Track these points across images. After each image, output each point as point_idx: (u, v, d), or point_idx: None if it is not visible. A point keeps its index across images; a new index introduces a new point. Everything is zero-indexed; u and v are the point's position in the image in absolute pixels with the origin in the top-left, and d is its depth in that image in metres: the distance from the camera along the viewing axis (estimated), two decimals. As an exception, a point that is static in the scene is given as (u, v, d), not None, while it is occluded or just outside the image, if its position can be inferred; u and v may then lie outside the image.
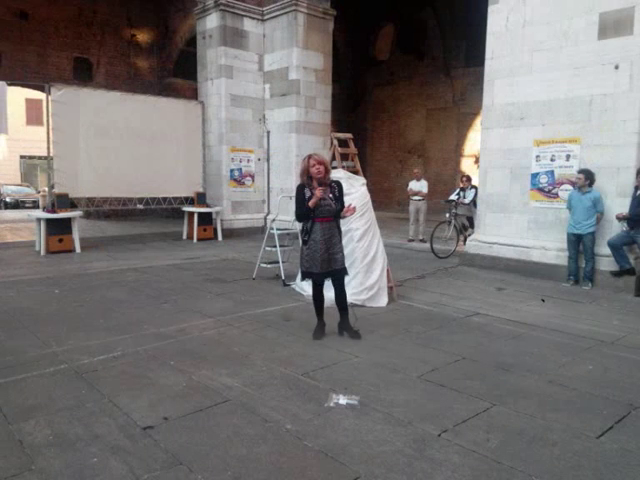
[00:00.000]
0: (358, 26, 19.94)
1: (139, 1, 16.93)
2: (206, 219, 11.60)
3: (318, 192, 4.30)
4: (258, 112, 12.90)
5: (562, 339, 4.72)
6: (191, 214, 11.52)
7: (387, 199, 20.19)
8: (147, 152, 10.97)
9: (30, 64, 15.13)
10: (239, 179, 12.75)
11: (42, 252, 9.26)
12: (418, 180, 11.32)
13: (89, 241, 10.83)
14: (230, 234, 12.15)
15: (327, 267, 4.48)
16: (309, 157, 4.46)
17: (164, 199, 11.59)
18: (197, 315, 5.37)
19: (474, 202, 9.41)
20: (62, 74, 15.50)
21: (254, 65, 12.73)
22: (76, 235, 9.69)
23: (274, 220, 7.30)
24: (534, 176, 7.67)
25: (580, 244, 6.95)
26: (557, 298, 6.37)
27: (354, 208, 4.62)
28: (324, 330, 4.69)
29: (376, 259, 5.87)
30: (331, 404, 3.26)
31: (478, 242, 8.42)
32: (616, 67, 6.73)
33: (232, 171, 12.59)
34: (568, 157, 7.29)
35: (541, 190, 7.62)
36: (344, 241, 5.03)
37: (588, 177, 6.81)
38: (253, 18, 12.58)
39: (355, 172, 6.30)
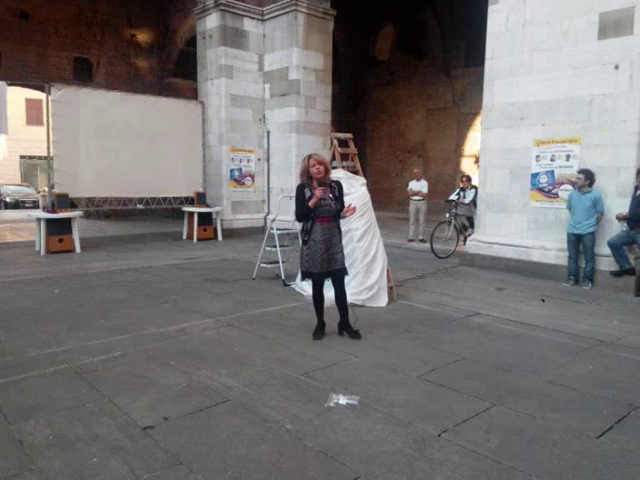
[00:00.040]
0: (358, 26, 19.95)
1: (139, 1, 16.93)
2: (206, 219, 11.60)
3: (318, 192, 4.30)
4: (258, 112, 12.90)
5: (562, 339, 4.72)
6: (191, 214, 11.52)
7: (387, 199, 20.19)
8: (147, 152, 10.97)
9: (30, 64, 15.13)
10: (239, 179, 12.75)
11: (42, 252, 9.26)
12: (418, 180, 11.32)
13: (89, 241, 10.83)
14: (230, 234, 12.15)
15: (327, 267, 4.48)
16: (309, 157, 4.46)
17: (164, 199, 11.60)
18: (197, 315, 5.37)
19: (474, 202, 9.41)
20: (62, 74, 15.51)
21: (254, 65, 12.73)
22: (76, 235, 9.69)
23: (274, 220, 7.30)
24: (534, 176, 7.67)
25: (580, 244, 6.95)
26: (557, 298, 6.37)
27: (354, 208, 4.62)
28: (324, 330, 4.69)
29: (376, 259, 5.87)
30: (331, 404, 3.26)
31: (478, 242, 8.42)
32: (616, 67, 6.73)
33: (232, 171, 12.59)
34: (568, 157, 7.29)
35: (541, 190, 7.62)
36: (344, 241, 5.03)
37: (588, 177, 6.82)
38: (253, 18, 12.58)
39: (355, 172, 6.30)
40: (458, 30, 17.70)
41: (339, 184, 4.61)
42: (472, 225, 9.68)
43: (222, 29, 12.13)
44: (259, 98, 12.88)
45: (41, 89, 12.66)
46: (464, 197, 9.91)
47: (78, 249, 9.63)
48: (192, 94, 14.61)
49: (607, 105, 6.86)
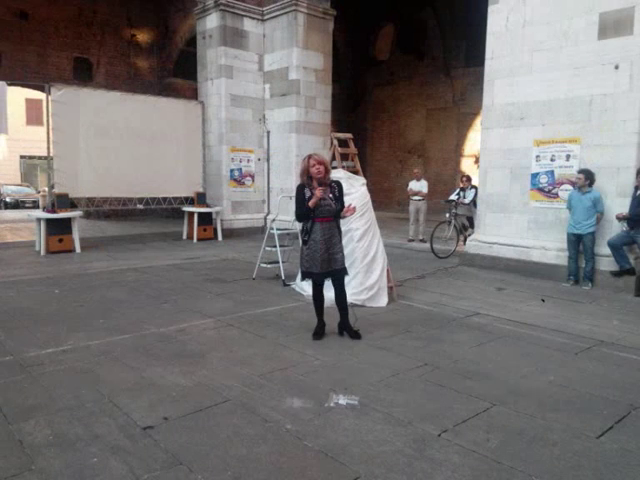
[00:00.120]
0: (358, 26, 19.94)
1: (139, 1, 16.93)
2: (206, 219, 11.60)
3: (318, 192, 4.30)
4: (258, 112, 12.90)
5: (562, 339, 4.72)
6: (191, 214, 11.52)
7: (387, 199, 20.19)
8: (147, 152, 10.97)
9: (30, 64, 15.12)
10: (239, 179, 12.75)
11: (42, 252, 9.26)
12: (418, 180, 11.32)
13: (89, 241, 10.83)
14: (230, 234, 12.15)
15: (327, 267, 4.48)
16: (309, 157, 4.46)
17: (164, 199, 11.60)
18: (197, 315, 5.37)
19: (474, 202, 9.41)
20: (62, 74, 15.50)
21: (254, 65, 12.73)
22: (76, 235, 9.69)
23: (274, 220, 7.30)
24: (534, 176, 7.67)
25: (580, 244, 6.95)
26: (557, 298, 6.37)
27: (354, 208, 4.62)
28: (324, 330, 4.69)
29: (376, 259, 5.87)
30: (331, 404, 3.26)
31: (478, 242, 8.42)
32: (616, 67, 6.73)
33: (232, 171, 12.59)
34: (568, 157, 7.29)
35: (541, 190, 7.62)
36: (344, 241, 5.03)
37: (588, 177, 6.82)
38: (253, 18, 12.58)
39: (355, 172, 6.30)
40: (458, 30, 17.70)
41: (339, 184, 4.61)
42: (472, 225, 9.68)
43: (222, 29, 12.13)
44: (259, 98, 12.88)
45: (41, 89, 12.66)
46: (464, 197, 9.91)
47: (78, 249, 9.64)
48: (192, 94, 14.61)
49: (607, 105, 6.86)
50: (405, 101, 20.26)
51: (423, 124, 19.83)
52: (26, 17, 15.01)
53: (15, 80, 15.25)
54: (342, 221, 4.74)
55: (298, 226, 4.88)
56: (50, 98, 9.73)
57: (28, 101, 28.10)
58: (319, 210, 4.40)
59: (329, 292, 4.73)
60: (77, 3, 15.83)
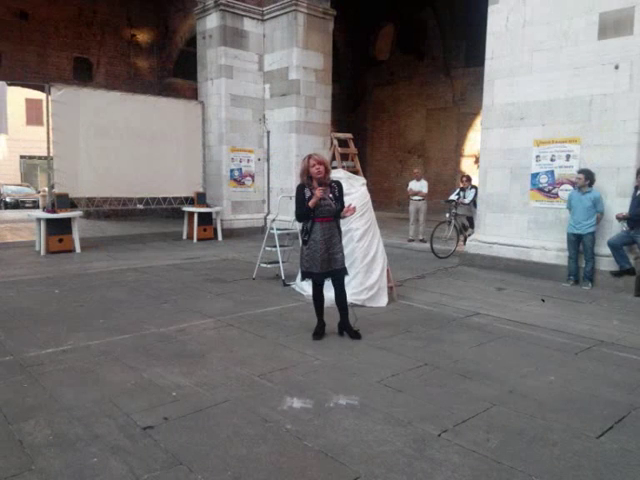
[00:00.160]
0: (358, 26, 19.94)
1: (139, 1, 16.93)
2: (206, 219, 11.60)
3: (318, 192, 4.30)
4: (258, 112, 12.90)
5: (562, 339, 4.72)
6: (191, 214, 11.52)
7: (387, 199, 20.19)
8: (147, 152, 10.97)
9: (30, 64, 15.13)
10: (239, 179, 12.75)
11: (42, 252, 9.26)
12: (418, 180, 11.32)
13: (89, 241, 10.83)
14: (230, 234, 12.15)
15: (327, 267, 4.48)
16: (309, 157, 4.46)
17: (164, 199, 11.59)
18: (197, 315, 5.37)
19: (474, 202, 9.41)
20: (62, 74, 15.50)
21: (254, 65, 12.73)
22: (76, 235, 9.69)
23: (274, 220, 7.30)
24: (534, 176, 7.67)
25: (580, 244, 6.95)
26: (557, 298, 6.37)
27: (354, 208, 4.63)
28: (324, 330, 4.69)
29: (376, 259, 5.87)
30: (331, 404, 3.26)
31: (478, 242, 8.42)
32: (616, 67, 6.73)
33: (232, 171, 12.59)
34: (568, 157, 7.29)
35: (541, 190, 7.62)
36: (344, 241, 5.03)
37: (588, 177, 6.82)
38: (253, 18, 12.58)
39: (355, 172, 6.30)
40: (458, 30, 17.70)
41: (339, 184, 4.61)
42: (472, 225, 9.68)
43: (222, 29, 12.13)
44: (259, 98, 12.88)
45: (41, 89, 12.66)
46: (464, 197, 9.91)
47: (78, 249, 9.63)
48: (192, 94, 14.61)
49: (607, 105, 6.86)
50: (405, 101, 20.26)
51: (423, 124, 19.83)
52: (26, 17, 15.01)
53: (15, 80, 15.25)
54: (342, 221, 4.74)
55: (298, 226, 4.88)
56: (50, 98, 9.73)
57: (28, 101, 28.11)
58: (319, 210, 4.40)
59: (329, 292, 4.73)
60: (77, 3, 15.83)
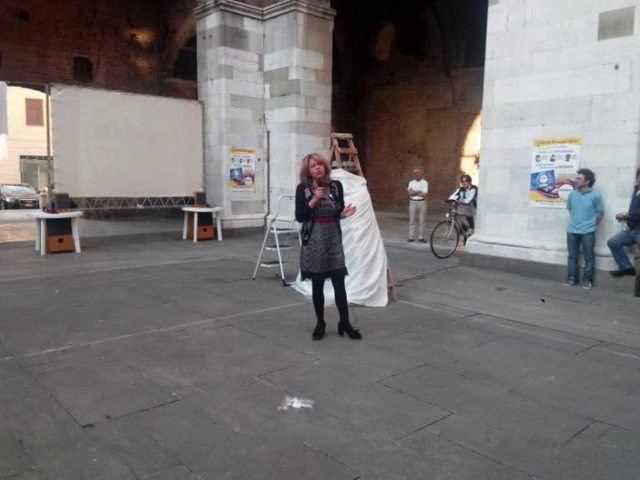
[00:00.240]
0: (358, 26, 19.94)
1: (139, 1, 16.93)
2: (206, 219, 11.60)
3: (318, 192, 4.30)
4: (258, 112, 12.90)
5: (562, 339, 4.72)
6: (191, 214, 11.52)
7: (387, 199, 20.19)
8: (147, 152, 10.97)
9: (30, 64, 15.12)
10: (239, 179, 12.75)
11: (42, 252, 9.26)
12: (418, 180, 11.32)
13: (89, 241, 10.83)
14: (230, 234, 12.15)
15: (327, 267, 4.48)
16: (309, 157, 4.46)
17: (164, 199, 11.59)
18: (197, 315, 5.37)
19: (474, 202, 9.41)
20: (62, 74, 15.50)
21: (254, 65, 12.73)
22: (76, 235, 9.69)
23: (274, 220, 7.30)
24: (534, 176, 7.67)
25: (580, 244, 6.95)
26: (557, 298, 6.37)
27: (354, 208, 4.63)
28: (324, 330, 4.69)
29: (376, 259, 5.87)
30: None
31: (478, 242, 8.42)
32: (616, 67, 6.73)
33: (232, 171, 12.59)
34: (568, 157, 7.29)
35: (541, 190, 7.62)
36: (344, 241, 5.03)
37: (588, 177, 6.82)
38: (253, 18, 12.58)
39: (355, 172, 6.30)
40: (458, 30, 17.70)
41: (339, 184, 4.61)
42: (472, 225, 9.68)
43: (222, 29, 12.13)
44: (259, 98, 12.88)
45: (41, 89, 12.66)
46: (464, 197, 9.91)
47: (78, 249, 9.63)
48: (192, 94, 14.61)
49: (607, 105, 6.86)
50: (405, 101, 20.26)
51: (423, 124, 19.83)
52: (26, 17, 15.01)
53: (15, 80, 15.25)
54: (342, 221, 4.74)
55: (298, 226, 4.88)
56: (50, 98, 9.73)
57: (28, 101, 28.10)
58: (319, 210, 4.40)
59: (329, 292, 4.73)
60: (77, 3, 15.83)
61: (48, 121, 9.73)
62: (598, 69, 6.89)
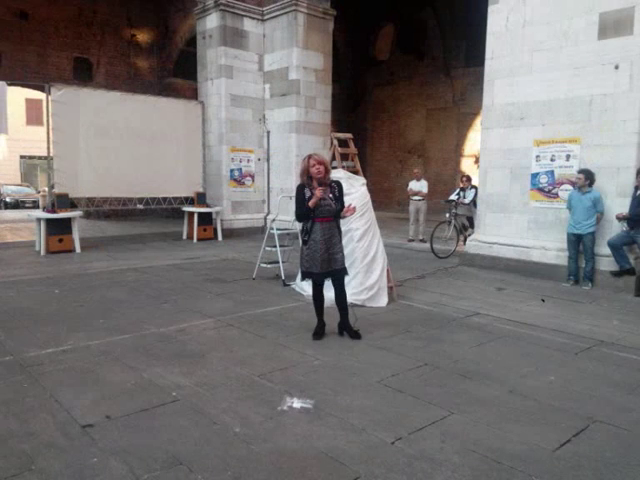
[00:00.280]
0: (358, 26, 19.94)
1: (139, 1, 16.93)
2: (206, 219, 11.60)
3: (318, 192, 4.30)
4: (258, 112, 12.90)
5: (562, 339, 4.72)
6: (191, 214, 11.52)
7: (387, 199, 20.19)
8: (147, 152, 10.97)
9: (30, 64, 15.12)
10: (239, 179, 12.75)
11: (42, 252, 9.26)
12: (418, 180, 11.32)
13: (89, 241, 10.83)
14: (230, 234, 12.15)
15: (327, 267, 4.48)
16: (309, 157, 4.46)
17: (164, 199, 11.59)
18: (197, 315, 5.37)
19: (474, 202, 9.41)
20: (62, 74, 15.50)
21: (254, 65, 12.73)
22: (76, 235, 9.69)
23: (274, 220, 7.30)
24: (534, 176, 7.67)
25: (580, 244, 6.95)
26: (557, 298, 6.37)
27: (354, 208, 4.63)
28: (324, 330, 4.69)
29: (376, 259, 5.87)
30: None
31: (478, 242, 8.42)
32: (616, 67, 6.73)
33: (232, 171, 12.59)
34: (568, 157, 7.29)
35: (541, 190, 7.62)
36: (344, 241, 5.03)
37: (588, 177, 6.82)
38: (253, 18, 12.58)
39: (355, 172, 6.30)
40: (458, 30, 17.70)
41: (339, 184, 4.61)
42: (472, 225, 9.68)
43: (222, 29, 12.13)
44: (259, 98, 12.88)
45: (41, 89, 12.65)
46: (464, 197, 9.91)
47: (78, 249, 9.63)
48: (192, 94, 14.61)
49: (607, 105, 6.86)
50: (405, 101, 20.25)
51: (423, 124, 19.83)
52: (26, 17, 15.01)
53: (15, 80, 15.25)
54: (342, 221, 4.74)
55: (298, 226, 4.88)
56: (50, 98, 9.73)
57: (28, 101, 28.10)
58: (319, 210, 4.40)
59: (329, 292, 4.73)
60: (77, 3, 15.83)
61: (48, 121, 9.73)
62: (598, 69, 6.89)
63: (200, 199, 11.74)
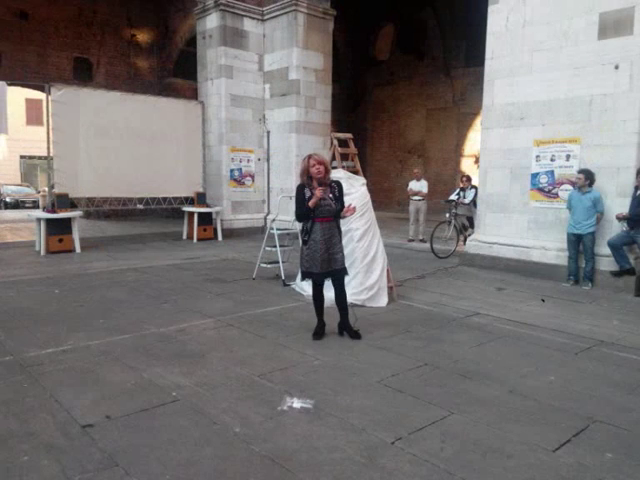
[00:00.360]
0: (358, 26, 19.94)
1: (139, 1, 16.93)
2: (206, 219, 11.60)
3: (318, 192, 4.30)
4: (258, 112, 12.90)
5: (562, 339, 4.72)
6: (191, 214, 11.52)
7: (387, 199, 20.19)
8: (147, 152, 10.97)
9: (30, 64, 15.12)
10: (239, 179, 12.75)
11: (42, 252, 9.26)
12: (418, 180, 11.32)
13: (89, 241, 10.83)
14: (230, 234, 12.15)
15: (327, 267, 4.48)
16: (309, 157, 4.46)
17: (164, 199, 11.59)
18: (197, 315, 5.37)
19: (474, 202, 9.41)
20: (62, 74, 15.50)
21: (254, 65, 12.73)
22: (76, 235, 9.69)
23: (274, 220, 7.30)
24: (534, 176, 7.67)
25: (580, 244, 6.95)
26: (557, 298, 6.37)
27: (354, 208, 4.62)
28: (324, 330, 4.69)
29: (376, 259, 5.87)
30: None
31: (478, 242, 8.42)
32: (616, 67, 6.73)
33: (232, 171, 12.59)
34: (568, 157, 7.29)
35: (541, 190, 7.62)
36: (344, 241, 5.03)
37: (588, 177, 6.82)
38: (253, 18, 12.58)
39: (355, 172, 6.30)
40: (458, 30, 17.70)
41: (339, 184, 4.61)
42: (472, 225, 9.68)
43: (222, 29, 12.13)
44: (259, 98, 12.88)
45: (41, 89, 12.65)
46: (464, 197, 9.91)
47: (78, 249, 9.63)
48: (192, 94, 14.61)
49: (607, 105, 6.86)
50: (405, 101, 20.26)
51: (423, 124, 19.83)
52: (26, 17, 15.01)
53: (15, 80, 15.25)
54: (342, 221, 4.74)
55: (298, 226, 4.88)
56: (50, 98, 9.72)
57: (28, 101, 28.10)
58: (319, 210, 4.40)
59: (329, 292, 4.73)
60: (77, 3, 15.83)
61: (48, 121, 9.73)
62: (598, 69, 6.89)
63: (200, 199, 11.74)
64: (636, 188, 6.62)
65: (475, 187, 9.40)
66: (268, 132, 12.94)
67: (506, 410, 3.24)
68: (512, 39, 7.75)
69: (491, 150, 8.19)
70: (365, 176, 6.51)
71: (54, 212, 9.54)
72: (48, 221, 9.36)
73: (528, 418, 3.13)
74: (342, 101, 18.97)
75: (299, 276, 5.95)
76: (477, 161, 12.36)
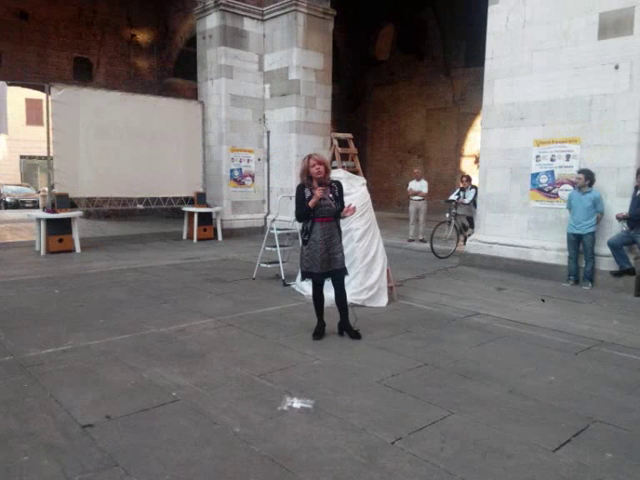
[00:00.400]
0: (358, 26, 19.94)
1: (139, 1, 16.93)
2: (206, 219, 11.60)
3: (318, 192, 4.30)
4: (258, 112, 12.90)
5: (562, 339, 4.72)
6: (191, 214, 11.52)
7: (387, 199, 20.19)
8: (147, 152, 10.97)
9: (30, 64, 15.12)
10: (239, 179, 12.75)
11: (42, 252, 9.26)
12: (418, 180, 11.32)
13: (89, 241, 10.83)
14: (230, 234, 12.15)
15: (327, 267, 4.48)
16: (309, 157, 4.46)
17: (164, 199, 11.59)
18: (197, 315, 5.37)
19: (474, 202, 9.41)
20: (62, 74, 15.50)
21: (254, 65, 12.73)
22: (76, 235, 9.69)
23: (274, 220, 7.30)
24: (534, 176, 7.67)
25: (580, 244, 6.95)
26: (557, 298, 6.37)
27: (354, 208, 4.62)
28: (324, 330, 4.69)
29: (376, 259, 5.87)
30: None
31: (478, 242, 8.42)
32: (616, 67, 6.73)
33: (232, 171, 12.59)
34: (568, 157, 7.29)
35: (541, 190, 7.62)
36: (344, 241, 5.03)
37: (588, 177, 6.82)
38: (253, 18, 12.58)
39: (355, 172, 6.30)
40: (458, 30, 17.70)
41: (339, 184, 4.61)
42: (472, 225, 9.68)
43: (222, 29, 12.13)
44: (259, 98, 12.88)
45: (41, 89, 12.65)
46: (464, 197, 9.91)
47: (78, 249, 9.63)
48: (192, 94, 14.61)
49: (607, 105, 6.86)
50: (405, 101, 20.26)
51: (423, 124, 19.83)
52: (26, 17, 15.01)
53: (15, 80, 15.24)
54: (342, 221, 4.74)
55: (298, 226, 4.88)
56: (50, 98, 9.72)
57: (28, 101, 28.10)
58: (319, 210, 4.40)
59: (329, 292, 4.73)
60: (77, 3, 15.83)
61: (48, 121, 9.73)
62: (598, 69, 6.89)
63: (200, 199, 11.74)
64: (636, 188, 6.62)
65: (475, 187, 9.40)
66: (268, 132, 12.94)
67: (506, 410, 3.24)
68: (512, 39, 7.75)
69: (491, 150, 8.19)
70: (365, 176, 6.51)
71: (54, 212, 9.54)
72: (48, 221, 9.36)
73: (528, 418, 3.13)
74: (342, 101, 18.97)
75: (299, 276, 5.95)
76: (477, 161, 12.36)
